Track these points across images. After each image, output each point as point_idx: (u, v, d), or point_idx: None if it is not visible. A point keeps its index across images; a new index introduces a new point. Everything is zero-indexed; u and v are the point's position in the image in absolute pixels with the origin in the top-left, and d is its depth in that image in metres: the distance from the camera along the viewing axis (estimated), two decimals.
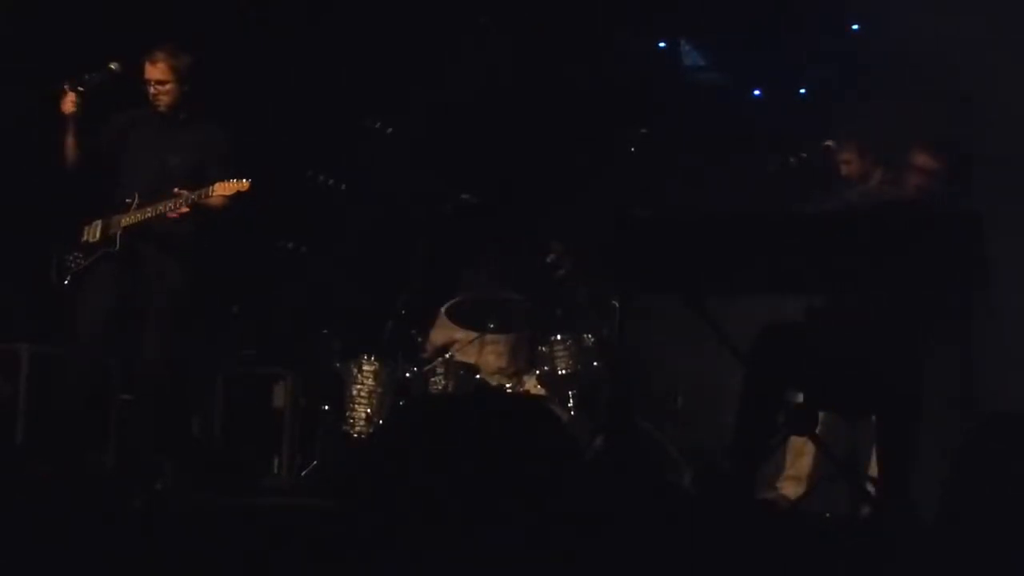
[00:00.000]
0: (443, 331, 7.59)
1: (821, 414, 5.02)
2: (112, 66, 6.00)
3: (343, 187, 8.29)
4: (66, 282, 6.05)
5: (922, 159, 5.11)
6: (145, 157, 6.08)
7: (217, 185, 5.87)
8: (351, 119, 8.29)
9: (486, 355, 7.60)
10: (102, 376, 6.19)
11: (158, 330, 5.96)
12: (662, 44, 8.71)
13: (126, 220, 5.97)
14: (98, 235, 6.03)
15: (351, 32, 8.09)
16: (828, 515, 5.32)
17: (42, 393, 6.67)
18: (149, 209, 5.94)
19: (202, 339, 7.12)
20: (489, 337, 7.56)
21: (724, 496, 4.64)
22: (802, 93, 8.15)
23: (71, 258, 6.07)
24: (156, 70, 6.02)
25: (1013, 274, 5.12)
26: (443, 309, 7.44)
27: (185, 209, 5.88)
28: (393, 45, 8.14)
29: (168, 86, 6.04)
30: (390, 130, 8.27)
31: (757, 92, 8.44)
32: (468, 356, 7.46)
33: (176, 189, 5.90)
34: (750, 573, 3.79)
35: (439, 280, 7.73)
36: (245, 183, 5.88)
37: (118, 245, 5.97)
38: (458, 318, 7.42)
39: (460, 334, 7.50)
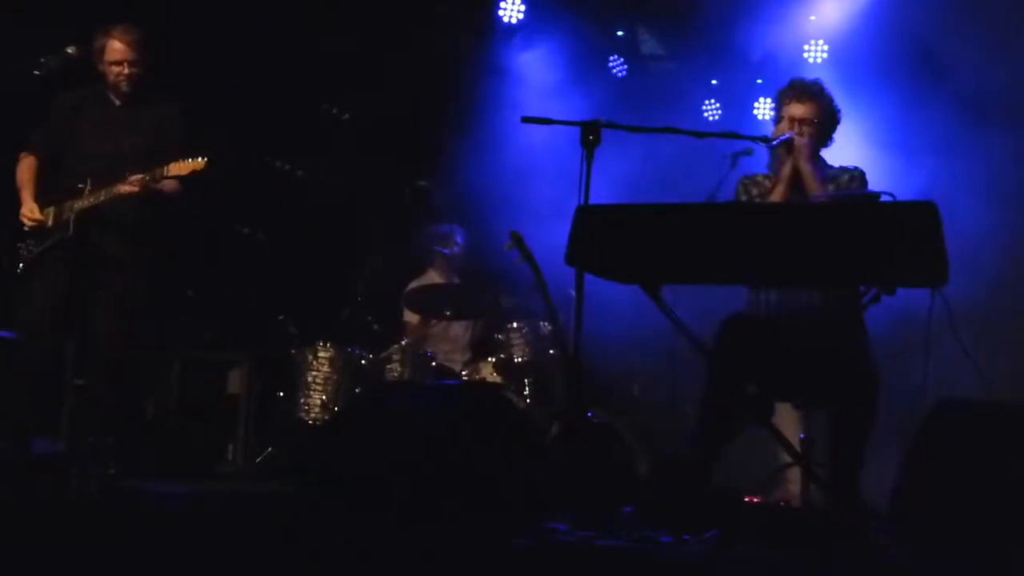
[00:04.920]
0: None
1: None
2: (69, 50, 5.90)
3: (300, 173, 8.27)
4: (18, 270, 5.99)
5: (793, 108, 5.16)
6: (98, 139, 5.98)
7: (172, 165, 5.78)
8: (308, 105, 8.26)
9: (441, 342, 7.62)
10: (55, 361, 6.12)
11: (114, 314, 5.89)
12: (620, 32, 8.72)
13: (79, 205, 5.89)
14: (51, 221, 5.95)
15: (308, 17, 8.05)
16: (782, 503, 5.37)
17: None
18: (102, 192, 5.87)
19: (158, 323, 7.08)
20: (444, 324, 7.58)
21: (681, 483, 4.67)
22: (759, 83, 8.18)
23: (23, 245, 5.99)
24: (122, 49, 5.94)
25: None
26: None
27: (137, 189, 5.82)
28: (350, 31, 8.12)
29: (134, 66, 5.97)
30: (346, 116, 8.26)
31: (714, 82, 8.46)
32: (424, 343, 7.47)
33: (129, 175, 5.83)
34: (702, 557, 3.82)
35: (395, 267, 7.73)
36: (200, 162, 5.78)
37: (71, 230, 5.89)
38: (414, 305, 7.42)
39: (415, 320, 7.53)
